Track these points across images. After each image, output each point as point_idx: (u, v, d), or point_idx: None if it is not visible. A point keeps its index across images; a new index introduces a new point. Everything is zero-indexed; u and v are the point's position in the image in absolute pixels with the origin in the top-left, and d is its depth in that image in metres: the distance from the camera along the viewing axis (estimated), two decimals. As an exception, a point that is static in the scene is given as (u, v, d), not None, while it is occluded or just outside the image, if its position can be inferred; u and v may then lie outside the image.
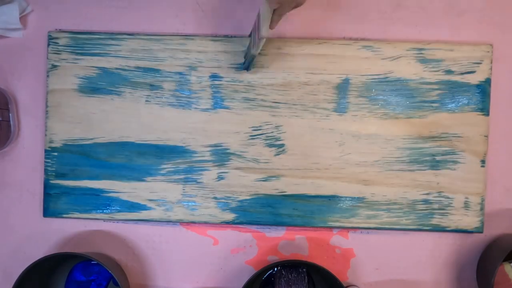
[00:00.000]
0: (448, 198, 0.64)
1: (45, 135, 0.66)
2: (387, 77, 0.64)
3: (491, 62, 0.64)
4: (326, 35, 0.66)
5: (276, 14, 0.52)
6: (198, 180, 0.65)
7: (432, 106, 0.64)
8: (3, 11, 0.65)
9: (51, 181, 0.66)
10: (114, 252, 0.67)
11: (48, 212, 0.66)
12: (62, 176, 0.66)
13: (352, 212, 0.64)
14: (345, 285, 0.65)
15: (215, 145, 0.65)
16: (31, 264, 0.59)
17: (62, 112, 0.66)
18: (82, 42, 0.66)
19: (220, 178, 0.65)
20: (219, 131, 0.65)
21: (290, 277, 0.62)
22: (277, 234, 0.67)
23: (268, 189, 0.65)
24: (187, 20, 0.67)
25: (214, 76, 0.65)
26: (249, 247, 0.67)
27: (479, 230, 0.64)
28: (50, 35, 0.66)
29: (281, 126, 0.65)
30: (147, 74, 0.65)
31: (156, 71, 0.65)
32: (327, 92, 0.65)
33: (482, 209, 0.64)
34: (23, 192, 0.67)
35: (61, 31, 0.67)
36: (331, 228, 0.66)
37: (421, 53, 0.64)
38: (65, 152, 0.66)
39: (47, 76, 0.66)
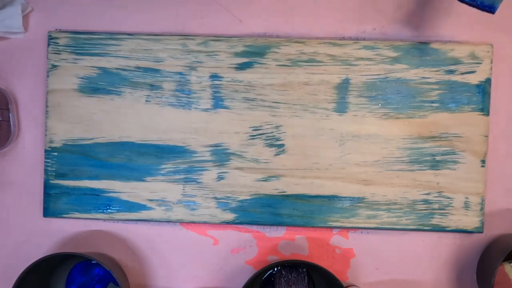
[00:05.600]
0: (448, 198, 0.64)
1: (45, 135, 0.66)
2: (387, 77, 0.64)
3: (491, 62, 0.64)
4: (326, 35, 0.66)
5: None
6: (198, 180, 0.65)
7: (432, 106, 0.64)
8: (6, 15, 0.65)
9: (51, 181, 0.66)
10: (114, 252, 0.67)
11: (48, 212, 0.66)
12: (62, 176, 0.66)
13: (352, 212, 0.64)
14: (345, 285, 0.65)
15: (215, 145, 0.65)
16: (31, 264, 0.59)
17: (62, 112, 0.66)
18: (82, 42, 0.66)
19: (220, 178, 0.65)
20: (219, 131, 0.65)
21: (290, 277, 0.62)
22: (277, 234, 0.67)
23: (268, 189, 0.65)
24: (187, 20, 0.67)
25: (214, 76, 0.65)
26: (249, 247, 0.67)
27: (479, 230, 0.64)
28: (50, 35, 0.66)
29: (281, 126, 0.65)
30: (147, 74, 0.65)
31: (156, 71, 0.65)
32: (327, 92, 0.65)
33: (482, 209, 0.64)
34: (23, 192, 0.67)
35: (61, 31, 0.67)
36: (331, 228, 0.66)
37: (421, 53, 0.64)
38: (65, 152, 0.66)
39: (47, 76, 0.66)
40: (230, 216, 0.65)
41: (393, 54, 0.64)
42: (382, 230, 0.66)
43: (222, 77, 0.65)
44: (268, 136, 0.65)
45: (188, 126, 0.65)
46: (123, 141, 0.65)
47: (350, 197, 0.64)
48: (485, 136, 0.64)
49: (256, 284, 0.66)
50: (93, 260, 0.61)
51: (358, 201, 0.64)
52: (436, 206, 0.64)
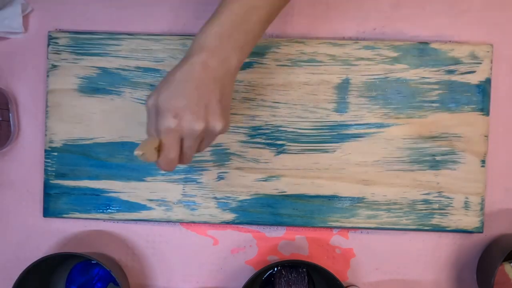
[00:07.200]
0: (448, 198, 0.64)
1: (45, 135, 0.66)
2: (387, 77, 0.64)
3: (491, 62, 0.64)
4: (326, 35, 0.66)
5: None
6: (198, 180, 0.65)
7: (432, 106, 0.64)
8: (6, 15, 0.64)
9: (51, 181, 0.66)
10: (114, 252, 0.67)
11: (48, 212, 0.66)
12: (62, 176, 0.66)
13: (352, 212, 0.64)
14: (345, 285, 0.65)
15: (215, 145, 0.65)
16: (31, 264, 0.59)
17: (62, 112, 0.66)
18: (82, 42, 0.66)
19: (220, 178, 0.65)
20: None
21: (290, 277, 0.62)
22: (277, 234, 0.67)
23: (268, 189, 0.65)
24: (187, 20, 0.67)
25: (214, 76, 0.65)
26: (249, 247, 0.67)
27: (479, 230, 0.64)
28: (50, 35, 0.66)
29: (281, 126, 0.65)
30: (147, 74, 0.65)
31: (156, 71, 0.65)
32: (327, 92, 0.65)
33: (482, 209, 0.64)
34: (23, 192, 0.67)
35: (61, 31, 0.67)
36: (331, 228, 0.66)
37: (421, 53, 0.64)
38: (65, 152, 0.66)
39: (47, 76, 0.66)
40: (230, 216, 0.65)
41: (393, 54, 0.64)
42: (382, 230, 0.66)
43: (222, 77, 0.65)
44: (268, 136, 0.65)
45: (188, 126, 0.65)
46: (123, 141, 0.65)
47: (350, 197, 0.64)
48: (485, 136, 0.64)
49: (256, 284, 0.66)
50: (93, 260, 0.61)
51: (358, 201, 0.64)
52: (436, 206, 0.64)
